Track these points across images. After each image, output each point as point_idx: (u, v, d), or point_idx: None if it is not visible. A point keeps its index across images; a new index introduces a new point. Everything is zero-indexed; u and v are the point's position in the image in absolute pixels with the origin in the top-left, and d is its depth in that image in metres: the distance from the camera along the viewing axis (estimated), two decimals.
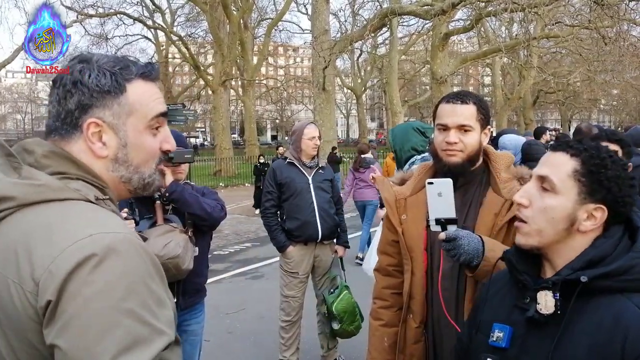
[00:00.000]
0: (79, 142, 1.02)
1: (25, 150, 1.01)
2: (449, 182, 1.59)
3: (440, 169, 1.80)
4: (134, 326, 0.86)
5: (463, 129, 1.74)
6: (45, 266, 0.85)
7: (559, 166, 1.16)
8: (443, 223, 1.59)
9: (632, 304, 1.08)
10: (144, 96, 1.05)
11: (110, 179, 1.04)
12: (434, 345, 1.83)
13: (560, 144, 1.20)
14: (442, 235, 1.58)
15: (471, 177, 1.80)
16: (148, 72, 1.07)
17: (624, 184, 1.14)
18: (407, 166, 3.35)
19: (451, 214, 1.58)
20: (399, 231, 1.86)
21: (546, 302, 1.13)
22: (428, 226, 1.68)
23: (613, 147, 2.45)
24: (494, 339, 1.22)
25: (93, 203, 0.97)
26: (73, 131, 1.01)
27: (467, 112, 1.75)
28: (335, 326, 3.85)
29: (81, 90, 1.01)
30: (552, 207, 1.15)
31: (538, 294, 1.15)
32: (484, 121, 1.79)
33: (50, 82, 1.07)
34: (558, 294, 1.12)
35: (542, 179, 1.18)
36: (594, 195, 1.13)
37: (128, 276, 0.87)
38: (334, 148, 15.76)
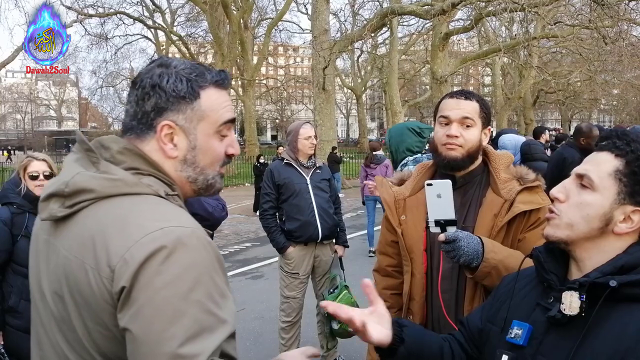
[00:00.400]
0: (152, 141, 1.08)
1: (103, 147, 1.08)
2: (448, 183, 1.59)
3: (439, 164, 1.80)
4: (200, 315, 0.92)
5: (465, 123, 1.74)
6: (120, 255, 0.92)
7: (601, 164, 1.14)
8: (442, 224, 1.58)
9: None
10: (215, 103, 1.11)
11: (177, 178, 1.10)
12: None
13: (607, 143, 1.17)
14: (442, 237, 1.58)
15: (470, 177, 1.80)
16: (221, 81, 1.13)
17: None
18: (399, 168, 3.34)
19: (450, 215, 1.58)
20: (398, 232, 1.85)
21: (571, 302, 1.10)
22: (427, 227, 1.67)
23: None
24: (512, 336, 1.20)
25: (163, 198, 1.04)
26: (147, 131, 1.08)
27: (469, 107, 1.76)
28: (335, 326, 3.84)
29: (158, 94, 1.07)
30: (588, 203, 1.13)
31: (563, 294, 1.12)
32: (485, 120, 1.79)
33: (130, 83, 1.14)
34: (584, 296, 1.09)
35: (581, 176, 1.16)
36: (635, 197, 1.10)
37: (195, 268, 0.94)
38: (334, 148, 15.77)
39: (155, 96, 1.07)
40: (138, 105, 1.08)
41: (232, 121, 1.15)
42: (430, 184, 1.60)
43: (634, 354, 1.03)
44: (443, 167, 1.78)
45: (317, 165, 4.01)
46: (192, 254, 0.94)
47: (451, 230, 1.58)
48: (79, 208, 1.01)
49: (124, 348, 0.94)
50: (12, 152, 41.95)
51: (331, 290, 3.92)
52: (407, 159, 3.37)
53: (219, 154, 1.14)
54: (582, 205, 1.14)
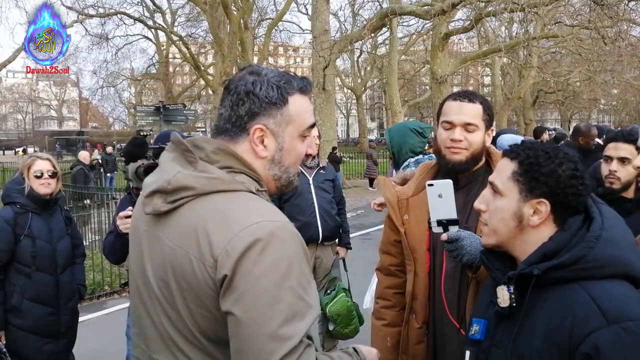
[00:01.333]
0: (244, 143, 1.19)
1: (196, 147, 1.18)
2: (449, 183, 1.60)
3: (443, 167, 1.81)
4: (294, 301, 1.04)
5: (469, 127, 1.75)
6: (222, 246, 1.05)
7: (502, 170, 1.28)
8: (445, 224, 1.59)
9: (583, 291, 1.14)
10: (301, 108, 1.23)
11: (265, 176, 1.22)
12: (435, 346, 1.83)
13: (505, 150, 1.31)
14: (444, 236, 1.59)
15: (473, 177, 1.81)
16: (304, 87, 1.25)
17: (561, 176, 1.20)
18: (400, 170, 3.34)
19: (452, 214, 1.59)
20: (401, 231, 1.86)
21: (503, 296, 1.21)
22: (430, 227, 1.69)
23: (628, 148, 2.40)
24: (472, 332, 1.32)
25: (254, 194, 1.16)
26: (241, 133, 1.19)
27: (473, 111, 1.76)
28: (330, 327, 3.84)
29: (252, 100, 1.18)
30: (500, 208, 1.26)
31: (497, 288, 1.24)
32: (488, 122, 1.80)
33: (223, 88, 1.25)
34: (512, 288, 1.20)
35: (491, 184, 1.29)
36: (534, 191, 1.21)
37: (287, 259, 1.06)
38: (334, 148, 15.79)
39: (249, 102, 1.18)
40: (232, 109, 1.19)
41: (313, 125, 1.27)
42: (432, 184, 1.61)
43: (560, 332, 1.12)
44: (447, 170, 1.79)
45: (321, 166, 3.99)
46: (284, 245, 1.06)
47: (453, 229, 1.59)
48: (181, 204, 1.13)
49: (223, 328, 1.06)
50: (27, 151, 42.02)
51: (328, 291, 3.91)
52: (408, 160, 3.37)
53: (301, 154, 1.26)
54: (497, 211, 1.27)
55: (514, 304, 1.20)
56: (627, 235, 1.22)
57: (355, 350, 1.22)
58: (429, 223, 1.66)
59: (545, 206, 1.21)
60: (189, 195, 1.12)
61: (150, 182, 1.19)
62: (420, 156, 3.36)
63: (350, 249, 4.23)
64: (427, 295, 1.82)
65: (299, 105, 1.22)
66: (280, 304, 1.02)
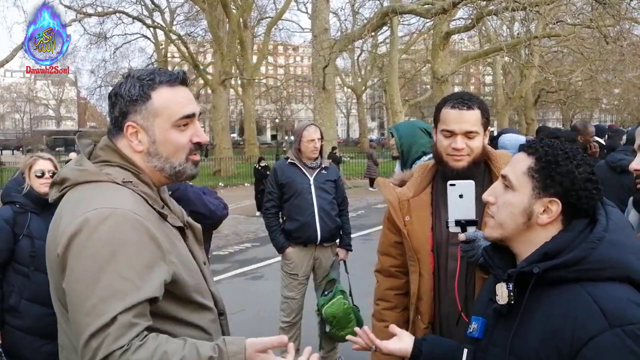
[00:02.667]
0: (123, 140, 1.32)
1: (95, 145, 1.35)
2: (471, 184, 1.61)
3: (447, 173, 1.81)
4: (115, 281, 1.13)
5: (469, 134, 1.77)
6: (62, 228, 1.20)
7: (517, 164, 1.26)
8: (463, 224, 1.61)
9: (585, 293, 1.12)
10: (168, 101, 1.30)
11: (147, 168, 1.33)
12: None
13: (523, 144, 1.30)
14: (462, 237, 1.60)
15: (472, 177, 1.81)
16: (173, 80, 1.31)
17: (577, 178, 1.18)
18: (411, 169, 3.29)
19: (471, 215, 1.60)
20: (403, 233, 1.87)
21: (502, 293, 1.21)
22: (433, 227, 1.73)
23: None
24: (471, 330, 1.33)
25: (119, 184, 1.26)
26: (119, 132, 1.32)
27: (473, 118, 1.77)
28: (327, 329, 3.80)
29: (119, 100, 1.30)
30: (511, 202, 1.25)
31: (496, 286, 1.23)
32: (487, 124, 1.83)
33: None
34: (511, 285, 1.19)
35: (504, 177, 1.28)
36: (547, 189, 1.20)
37: (116, 242, 1.15)
38: (333, 148, 15.74)
39: (118, 102, 1.30)
40: (111, 112, 1.33)
41: (191, 115, 1.32)
42: (454, 184, 1.62)
43: (561, 334, 1.11)
44: (450, 176, 1.80)
45: (323, 166, 3.95)
46: (116, 229, 1.16)
47: (471, 230, 1.61)
48: (63, 193, 1.29)
49: None
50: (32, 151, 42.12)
51: (326, 292, 3.87)
52: (423, 158, 3.31)
53: (180, 143, 1.31)
54: (507, 205, 1.25)
55: (512, 302, 1.20)
56: (632, 239, 1.20)
57: (218, 346, 1.16)
58: (447, 223, 1.66)
59: (557, 206, 1.20)
60: (68, 185, 1.28)
61: None
62: (430, 155, 3.31)
63: (351, 250, 4.17)
64: (432, 296, 1.84)
65: (165, 98, 1.29)
66: (99, 283, 1.12)
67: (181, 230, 1.38)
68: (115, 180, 1.26)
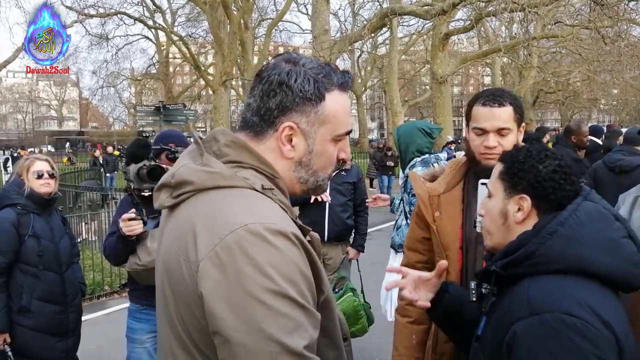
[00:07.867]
0: (270, 140, 1.07)
1: (214, 139, 1.08)
2: None
3: (480, 171, 1.76)
4: (291, 311, 0.91)
5: (502, 132, 1.72)
6: (205, 252, 0.93)
7: (493, 174, 1.35)
8: None
9: (525, 285, 1.17)
10: (339, 108, 1.09)
11: (288, 177, 1.10)
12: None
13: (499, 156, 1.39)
14: None
15: None
16: (345, 83, 1.09)
17: (540, 171, 1.24)
18: (407, 169, 3.34)
19: None
20: (433, 228, 1.83)
21: (471, 291, 1.32)
22: (463, 225, 1.70)
23: None
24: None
25: (259, 192, 1.02)
26: (267, 129, 1.07)
27: (505, 115, 1.72)
28: None
29: (285, 92, 1.04)
30: (490, 208, 1.33)
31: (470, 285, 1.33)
32: (520, 120, 1.77)
33: (255, 75, 1.10)
34: (473, 284, 1.30)
35: (487, 189, 1.38)
36: (515, 187, 1.27)
37: (280, 265, 0.92)
38: None
39: (281, 94, 1.04)
40: (262, 100, 1.06)
41: (350, 132, 1.14)
42: (485, 184, 1.58)
43: (501, 325, 1.16)
44: (483, 175, 1.76)
45: (344, 168, 3.96)
46: (275, 250, 0.93)
47: None
48: (183, 199, 1.03)
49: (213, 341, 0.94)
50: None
51: (336, 290, 3.94)
52: (415, 159, 3.36)
53: (333, 158, 1.13)
54: (488, 212, 1.34)
55: (474, 299, 1.30)
56: (601, 232, 1.17)
57: None
58: (473, 222, 1.64)
59: (526, 201, 1.25)
60: (189, 190, 1.02)
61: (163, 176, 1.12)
62: (427, 156, 3.37)
63: (363, 252, 4.22)
64: None
65: (337, 104, 1.08)
66: (279, 318, 0.90)
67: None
68: (254, 187, 1.02)
